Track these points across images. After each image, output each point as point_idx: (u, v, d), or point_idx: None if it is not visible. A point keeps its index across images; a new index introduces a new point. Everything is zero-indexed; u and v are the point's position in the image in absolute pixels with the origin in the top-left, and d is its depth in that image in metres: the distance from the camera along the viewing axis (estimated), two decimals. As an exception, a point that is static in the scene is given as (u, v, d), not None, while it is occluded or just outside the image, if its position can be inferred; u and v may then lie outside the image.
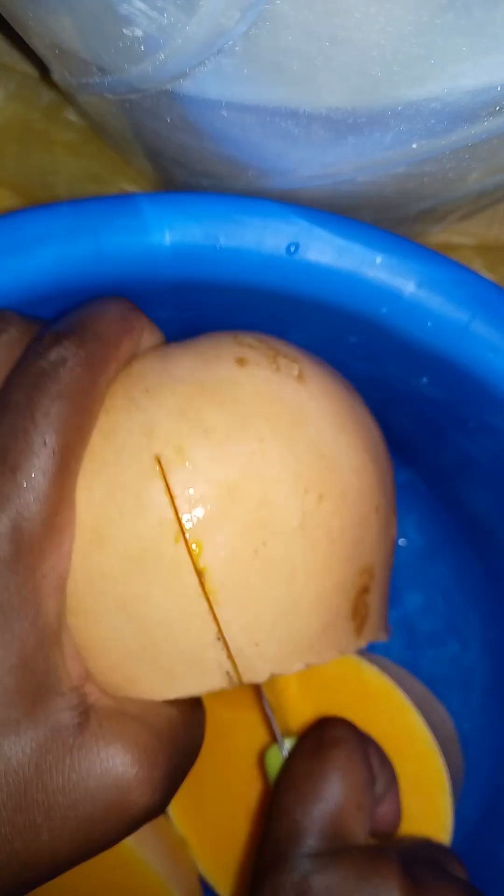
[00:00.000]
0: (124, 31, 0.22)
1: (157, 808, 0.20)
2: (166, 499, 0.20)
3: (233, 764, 0.31)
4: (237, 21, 0.20)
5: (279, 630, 0.21)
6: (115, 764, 0.19)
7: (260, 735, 0.30)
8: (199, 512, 0.20)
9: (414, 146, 0.24)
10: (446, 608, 0.37)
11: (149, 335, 0.22)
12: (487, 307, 0.23)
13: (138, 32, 0.22)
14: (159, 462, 0.20)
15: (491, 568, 0.34)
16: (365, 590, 0.23)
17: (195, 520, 0.20)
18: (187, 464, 0.20)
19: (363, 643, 0.23)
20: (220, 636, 0.20)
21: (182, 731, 0.21)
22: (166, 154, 0.31)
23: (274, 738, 0.26)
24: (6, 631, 0.19)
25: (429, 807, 0.29)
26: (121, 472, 0.20)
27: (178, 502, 0.20)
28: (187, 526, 0.20)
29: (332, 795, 0.24)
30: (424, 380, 0.25)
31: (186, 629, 0.20)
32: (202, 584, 0.20)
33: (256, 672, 0.21)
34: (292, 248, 0.23)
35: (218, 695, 0.29)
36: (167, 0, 0.20)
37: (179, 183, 0.33)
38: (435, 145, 0.23)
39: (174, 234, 0.23)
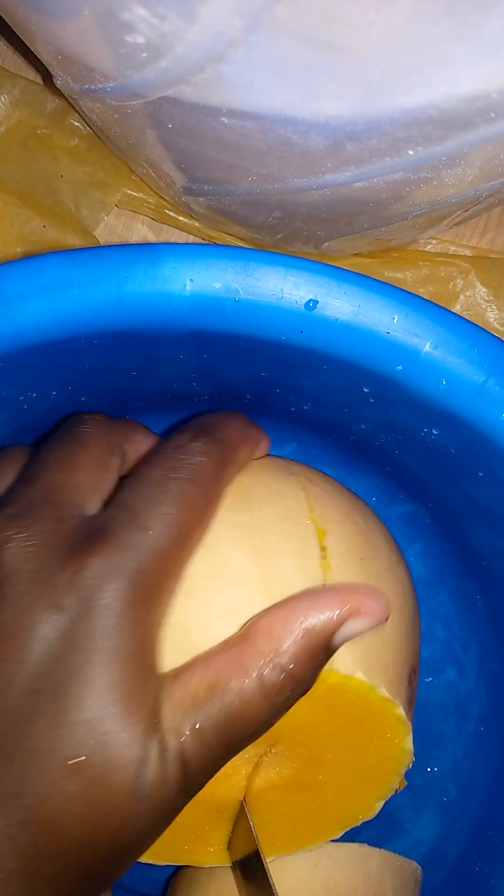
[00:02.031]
0: (126, 37, 0.22)
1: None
2: (304, 494, 0.26)
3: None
4: (238, 28, 0.20)
5: (370, 632, 0.24)
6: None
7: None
8: (325, 511, 0.26)
9: (410, 153, 0.24)
10: (446, 636, 0.37)
11: (263, 447, 0.27)
12: (502, 369, 0.23)
13: (140, 39, 0.22)
14: (298, 479, 0.27)
15: (491, 601, 0.34)
16: (414, 672, 0.27)
17: (323, 513, 0.26)
18: (319, 491, 0.27)
19: (407, 730, 0.26)
20: None
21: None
22: (168, 160, 0.31)
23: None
24: (114, 669, 0.20)
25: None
26: (274, 484, 0.26)
27: (311, 502, 0.26)
28: (317, 515, 0.26)
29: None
30: (435, 431, 0.26)
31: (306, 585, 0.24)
32: (324, 558, 0.25)
33: (347, 657, 0.24)
34: (311, 305, 0.23)
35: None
36: (169, 7, 0.20)
37: (182, 188, 0.34)
38: (431, 152, 0.24)
39: (194, 285, 0.23)
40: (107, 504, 0.23)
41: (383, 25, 0.20)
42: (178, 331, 0.24)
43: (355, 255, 0.38)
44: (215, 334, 0.24)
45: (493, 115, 0.22)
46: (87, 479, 0.23)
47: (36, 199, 0.39)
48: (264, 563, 0.24)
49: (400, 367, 0.24)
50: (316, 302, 0.23)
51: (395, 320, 0.23)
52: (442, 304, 0.37)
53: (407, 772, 0.31)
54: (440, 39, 0.20)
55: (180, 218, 0.39)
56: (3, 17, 0.28)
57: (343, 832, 0.30)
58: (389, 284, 0.23)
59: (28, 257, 0.23)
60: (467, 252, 0.39)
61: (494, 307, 0.38)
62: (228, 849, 0.29)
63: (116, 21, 0.21)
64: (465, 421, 0.24)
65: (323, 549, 0.25)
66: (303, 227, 0.33)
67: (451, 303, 0.38)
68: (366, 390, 0.26)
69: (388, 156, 0.24)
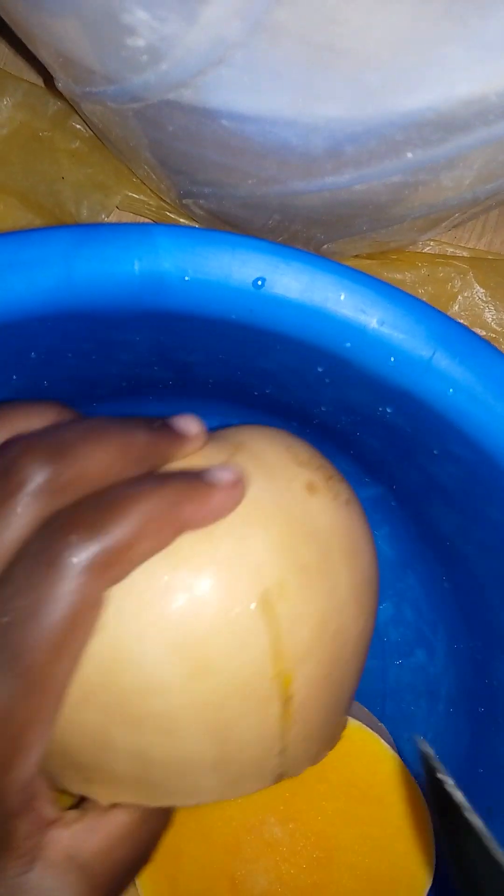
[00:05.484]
0: (127, 40, 0.22)
1: None
2: (268, 639, 0.21)
3: (212, 835, 0.31)
4: (237, 31, 0.20)
5: (324, 731, 0.24)
6: None
7: (241, 806, 0.31)
8: (295, 645, 0.22)
9: (409, 155, 0.24)
10: (415, 619, 0.37)
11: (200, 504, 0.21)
12: (448, 344, 0.23)
13: (140, 42, 0.22)
14: (265, 600, 0.21)
15: (457, 582, 0.34)
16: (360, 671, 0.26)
17: (291, 654, 0.22)
18: (288, 600, 0.21)
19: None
20: (284, 751, 0.23)
21: (122, 874, 0.23)
22: (168, 163, 0.31)
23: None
24: None
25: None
26: (233, 636, 0.21)
27: (279, 644, 0.21)
28: (286, 657, 0.22)
29: None
30: (389, 409, 0.26)
31: (260, 750, 0.22)
32: (286, 712, 0.22)
33: (298, 769, 0.24)
34: (259, 283, 0.23)
35: None
36: (169, 10, 0.20)
37: (182, 191, 0.34)
38: (429, 154, 0.24)
39: (143, 265, 0.23)
40: None
41: (382, 28, 0.20)
42: (130, 311, 0.24)
43: (355, 256, 0.39)
44: (167, 314, 0.24)
45: (491, 117, 0.22)
46: None
47: (37, 201, 0.39)
48: (227, 746, 0.22)
49: (349, 345, 0.23)
50: (264, 279, 0.23)
51: (342, 297, 0.23)
52: (440, 305, 0.38)
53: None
54: (438, 42, 0.20)
55: (181, 220, 0.39)
56: (5, 19, 0.28)
57: None
58: (336, 262, 0.23)
59: None
60: (465, 254, 0.39)
61: (492, 308, 0.38)
62: None
63: (117, 23, 0.21)
64: (416, 397, 0.24)
65: (288, 698, 0.22)
66: (302, 229, 0.33)
67: (449, 303, 0.38)
68: (320, 370, 0.25)
69: (387, 158, 0.24)
